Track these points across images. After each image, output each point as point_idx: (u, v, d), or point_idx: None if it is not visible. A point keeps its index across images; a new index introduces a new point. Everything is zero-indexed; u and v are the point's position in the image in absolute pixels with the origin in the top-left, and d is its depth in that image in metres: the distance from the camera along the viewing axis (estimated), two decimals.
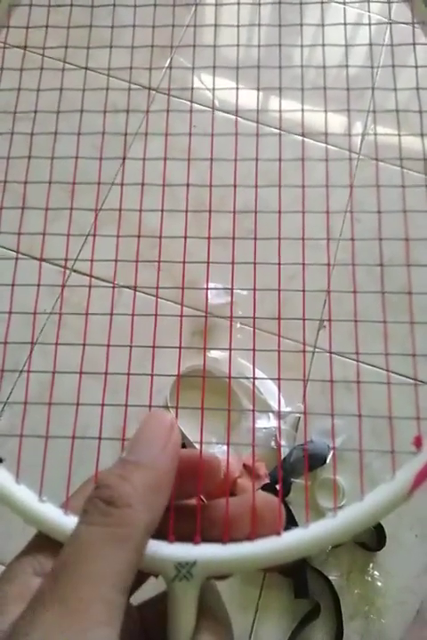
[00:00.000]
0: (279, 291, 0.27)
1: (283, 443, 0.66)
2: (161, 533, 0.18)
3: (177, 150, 0.29)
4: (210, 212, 0.27)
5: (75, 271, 0.75)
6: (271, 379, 0.64)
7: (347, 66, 0.35)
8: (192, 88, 0.86)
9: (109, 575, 0.15)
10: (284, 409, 0.68)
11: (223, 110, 0.64)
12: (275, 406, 0.66)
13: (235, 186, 0.28)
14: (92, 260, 0.30)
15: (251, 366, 0.63)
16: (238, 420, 0.67)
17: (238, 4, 0.32)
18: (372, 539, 0.64)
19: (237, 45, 0.33)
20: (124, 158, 0.32)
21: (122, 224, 0.30)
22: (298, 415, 0.68)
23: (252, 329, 0.26)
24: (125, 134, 0.35)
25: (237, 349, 0.26)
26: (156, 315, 0.27)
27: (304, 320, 0.27)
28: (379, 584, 0.63)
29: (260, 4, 0.35)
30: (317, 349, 0.72)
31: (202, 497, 0.19)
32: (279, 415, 0.68)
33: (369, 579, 0.63)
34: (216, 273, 0.28)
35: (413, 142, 0.32)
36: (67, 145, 0.31)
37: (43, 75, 0.32)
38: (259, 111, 0.78)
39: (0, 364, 0.25)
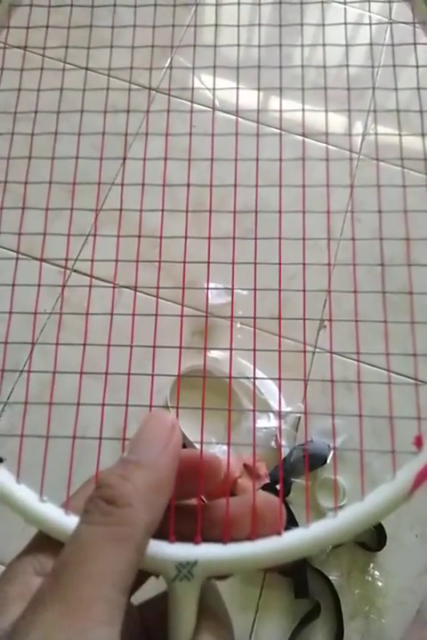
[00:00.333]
0: (280, 290, 0.27)
1: (283, 443, 0.66)
2: (162, 533, 0.18)
3: (177, 150, 0.29)
4: (210, 211, 0.27)
5: (75, 271, 0.75)
6: (272, 378, 0.64)
7: (347, 66, 0.35)
8: (192, 88, 0.86)
9: (110, 575, 0.15)
10: (284, 409, 0.68)
11: (224, 110, 0.65)
12: (275, 406, 0.66)
13: (235, 186, 0.28)
14: (92, 260, 0.30)
15: (251, 366, 0.63)
16: (239, 420, 0.67)
17: (239, 3, 0.32)
18: (372, 539, 0.64)
19: (238, 45, 0.33)
20: (124, 158, 0.32)
21: (122, 224, 0.30)
22: (298, 415, 0.68)
23: (252, 329, 0.26)
24: (126, 134, 0.35)
25: (238, 349, 0.26)
26: (156, 315, 0.27)
27: (305, 320, 0.27)
28: (379, 584, 0.63)
29: (260, 4, 0.35)
30: (317, 349, 0.72)
31: (202, 497, 0.19)
32: (280, 415, 0.68)
33: (369, 579, 0.63)
34: (216, 273, 0.28)
35: (413, 142, 0.32)
36: (67, 145, 0.31)
37: (43, 75, 0.32)
38: (259, 111, 0.78)
39: (0, 364, 0.25)
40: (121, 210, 0.30)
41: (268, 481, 0.63)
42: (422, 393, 0.23)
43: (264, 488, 0.62)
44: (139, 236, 0.28)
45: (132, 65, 0.32)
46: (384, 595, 0.63)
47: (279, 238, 0.27)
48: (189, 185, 0.28)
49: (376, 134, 0.84)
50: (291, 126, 0.52)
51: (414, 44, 0.30)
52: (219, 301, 0.71)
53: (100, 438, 0.23)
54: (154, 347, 0.25)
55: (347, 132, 0.85)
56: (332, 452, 0.65)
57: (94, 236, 0.68)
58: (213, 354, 0.68)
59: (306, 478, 0.66)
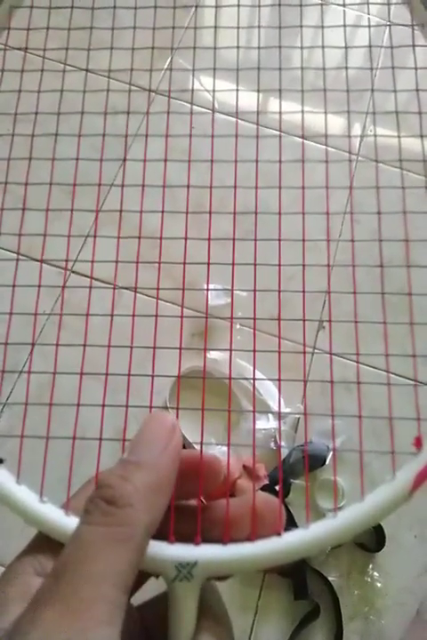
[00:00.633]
0: (279, 292, 0.27)
1: (283, 444, 0.66)
2: (162, 534, 0.18)
3: (177, 152, 0.29)
4: (210, 213, 0.27)
5: (75, 272, 0.75)
6: (271, 379, 0.64)
7: (346, 67, 0.36)
8: (192, 90, 0.86)
9: (110, 575, 0.15)
10: (283, 410, 0.68)
11: (223, 112, 0.65)
12: (275, 407, 0.66)
13: (235, 187, 0.28)
14: (92, 262, 0.30)
15: (251, 367, 0.63)
16: (238, 421, 0.67)
17: (238, 5, 0.32)
18: (371, 540, 0.64)
19: (237, 47, 0.33)
20: (124, 160, 0.32)
21: (122, 225, 0.30)
22: (298, 416, 0.68)
23: (252, 330, 0.26)
24: (126, 136, 0.36)
25: (237, 350, 0.26)
26: (156, 316, 0.27)
27: (304, 321, 0.27)
28: (378, 585, 0.63)
29: (259, 6, 0.35)
30: (316, 350, 0.72)
31: (202, 498, 0.20)
32: (279, 416, 0.68)
33: (369, 579, 0.63)
34: (216, 274, 0.28)
35: (412, 144, 0.32)
36: (67, 146, 0.31)
37: (43, 76, 0.32)
38: (259, 113, 0.78)
39: (0, 365, 0.25)
40: (121, 211, 0.30)
41: (267, 482, 0.63)
42: (422, 394, 0.24)
43: (263, 489, 0.62)
44: (139, 237, 0.28)
45: (132, 66, 0.32)
46: (384, 595, 0.63)
47: (279, 239, 0.27)
48: (188, 186, 0.28)
49: (375, 136, 0.85)
50: (290, 128, 0.52)
51: (413, 45, 0.30)
52: (218, 302, 0.71)
53: (100, 439, 0.23)
54: (154, 348, 0.25)
55: (346, 134, 0.85)
56: (331, 453, 0.65)
57: (94, 237, 0.68)
58: (212, 355, 0.68)
59: (305, 479, 0.66)
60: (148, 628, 0.19)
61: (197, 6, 0.87)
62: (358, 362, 0.62)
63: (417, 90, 0.31)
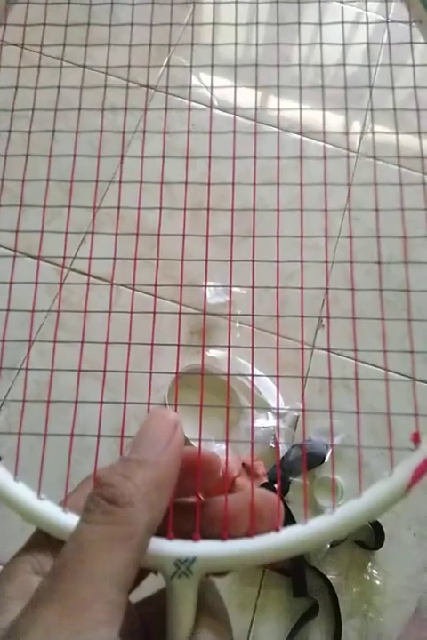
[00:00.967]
0: (278, 289, 0.27)
1: (281, 441, 0.67)
2: (160, 530, 0.18)
3: (175, 148, 0.29)
4: (208, 210, 0.27)
5: (73, 269, 0.75)
6: (270, 376, 0.64)
7: (345, 65, 0.35)
8: (190, 86, 0.86)
9: (110, 574, 0.15)
10: (282, 407, 0.68)
11: (221, 109, 0.64)
12: (273, 405, 0.66)
13: (233, 184, 0.28)
14: (90, 259, 0.30)
15: (249, 365, 0.63)
16: (237, 419, 0.67)
17: (236, 2, 0.32)
18: (370, 537, 0.65)
19: (236, 44, 0.33)
20: (122, 156, 0.32)
21: (120, 222, 0.30)
22: (297, 414, 0.68)
23: (250, 327, 0.26)
24: (124, 132, 0.35)
25: (236, 347, 0.26)
26: (154, 313, 0.27)
27: (302, 318, 0.27)
28: (377, 583, 0.63)
29: (258, 3, 0.35)
30: (315, 347, 0.73)
31: (200, 494, 0.20)
32: (278, 414, 0.68)
33: (368, 577, 0.63)
34: (215, 271, 0.28)
35: (410, 141, 0.32)
36: (65, 143, 0.31)
37: (40, 73, 0.32)
38: (257, 110, 0.78)
39: None
40: (119, 208, 0.30)
41: (266, 480, 0.63)
42: (420, 390, 0.24)
43: (262, 487, 0.62)
44: (137, 234, 0.28)
45: (129, 63, 0.32)
46: (382, 593, 0.63)
47: (277, 236, 0.27)
48: (186, 183, 0.28)
49: (374, 133, 0.84)
50: (289, 125, 0.52)
51: (411, 43, 0.30)
52: (217, 300, 0.71)
53: (99, 436, 0.23)
54: (152, 345, 0.25)
55: (345, 131, 0.85)
56: (330, 451, 0.65)
57: (92, 234, 0.68)
58: (211, 352, 0.68)
59: (304, 477, 0.66)
60: (146, 625, 0.19)
61: (195, 3, 0.87)
62: (356, 359, 0.62)
63: (415, 87, 0.30)
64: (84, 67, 0.33)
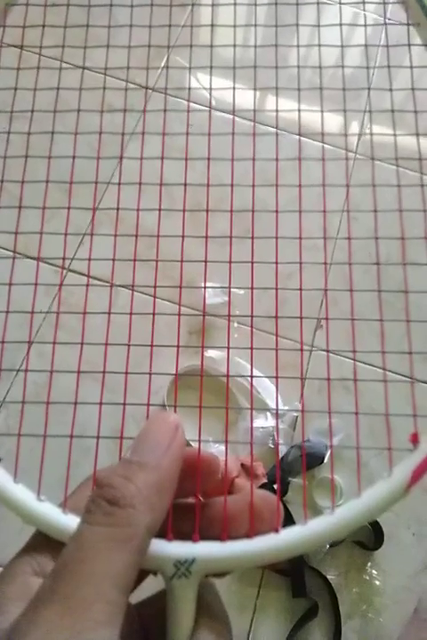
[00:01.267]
0: (276, 290, 0.27)
1: (281, 442, 0.67)
2: (160, 531, 0.18)
3: (174, 150, 0.29)
4: (207, 211, 0.27)
5: (72, 271, 0.75)
6: (269, 376, 0.64)
7: (343, 66, 0.36)
8: (189, 88, 0.86)
9: (111, 575, 0.15)
10: (281, 408, 0.68)
11: (220, 110, 0.65)
12: (272, 405, 0.67)
13: (232, 185, 0.28)
14: (89, 260, 0.30)
15: (248, 365, 0.63)
16: (236, 420, 0.67)
17: (235, 4, 0.32)
18: (370, 538, 0.65)
19: (234, 45, 0.33)
20: (121, 158, 0.32)
21: (119, 223, 0.30)
22: (296, 414, 0.68)
23: (249, 328, 0.26)
24: (122, 134, 0.35)
25: (235, 348, 0.26)
26: (153, 314, 0.27)
27: (301, 319, 0.27)
28: (377, 583, 0.63)
29: (256, 5, 0.35)
30: (314, 348, 0.73)
31: (199, 496, 0.20)
32: (277, 414, 0.68)
33: (367, 577, 0.63)
34: (213, 272, 0.28)
35: (408, 142, 0.32)
36: (64, 144, 0.31)
37: (39, 74, 0.32)
38: (256, 111, 0.78)
39: None
40: (118, 209, 0.30)
41: (265, 480, 0.63)
42: (418, 390, 0.24)
43: (262, 488, 0.62)
44: (136, 236, 0.28)
45: (128, 64, 0.32)
46: (382, 593, 0.63)
47: (276, 237, 0.27)
48: (185, 184, 0.28)
49: (372, 134, 0.85)
50: (287, 126, 0.52)
51: (409, 45, 0.30)
52: (216, 300, 0.71)
53: (98, 437, 0.23)
54: (151, 346, 0.25)
55: (343, 132, 0.85)
56: (329, 452, 0.65)
57: (91, 235, 0.68)
58: (210, 353, 0.68)
59: (303, 478, 0.66)
60: (146, 626, 0.19)
61: (193, 4, 0.87)
62: (354, 359, 0.62)
63: (413, 88, 0.31)
64: (83, 68, 0.33)
